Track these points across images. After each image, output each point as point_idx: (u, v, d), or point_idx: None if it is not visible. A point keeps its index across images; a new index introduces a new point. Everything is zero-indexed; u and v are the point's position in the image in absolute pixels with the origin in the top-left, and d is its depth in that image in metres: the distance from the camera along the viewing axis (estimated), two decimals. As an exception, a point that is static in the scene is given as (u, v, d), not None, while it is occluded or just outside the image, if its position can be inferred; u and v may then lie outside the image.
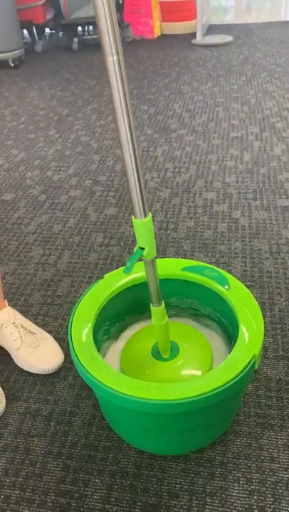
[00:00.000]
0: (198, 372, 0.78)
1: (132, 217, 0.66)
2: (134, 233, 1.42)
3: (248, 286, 0.90)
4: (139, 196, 0.63)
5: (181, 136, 2.08)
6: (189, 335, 0.86)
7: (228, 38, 3.62)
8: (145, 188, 1.66)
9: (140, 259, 0.69)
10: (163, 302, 0.76)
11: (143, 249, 0.67)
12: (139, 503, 0.75)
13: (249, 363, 0.66)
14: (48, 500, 0.77)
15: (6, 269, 1.32)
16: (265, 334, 1.03)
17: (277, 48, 3.37)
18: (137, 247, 0.67)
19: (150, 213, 0.67)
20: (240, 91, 2.57)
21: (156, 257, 0.71)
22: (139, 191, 0.62)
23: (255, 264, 1.25)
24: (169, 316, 0.80)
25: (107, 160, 1.91)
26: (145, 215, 0.64)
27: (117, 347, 0.90)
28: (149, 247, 0.67)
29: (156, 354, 0.82)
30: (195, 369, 0.79)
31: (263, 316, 0.76)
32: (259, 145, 1.93)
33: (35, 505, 0.76)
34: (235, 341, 0.71)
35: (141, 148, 1.98)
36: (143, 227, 0.65)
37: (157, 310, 0.76)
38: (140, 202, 0.63)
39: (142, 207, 0.63)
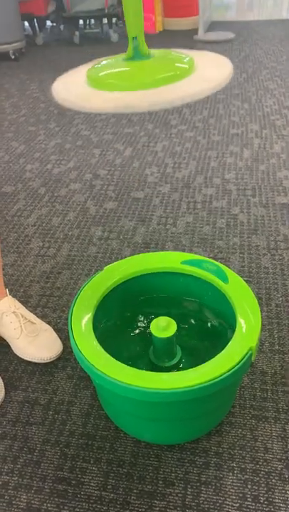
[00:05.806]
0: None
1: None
2: (133, 227, 1.44)
3: (245, 282, 0.91)
4: None
5: (181, 131, 2.08)
6: None
7: (230, 35, 3.62)
8: (145, 183, 1.67)
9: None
10: None
11: None
12: (135, 491, 0.77)
13: (246, 355, 0.68)
14: (46, 486, 0.78)
15: (5, 260, 1.32)
16: (261, 329, 1.04)
17: (278, 45, 3.37)
18: None
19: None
20: (240, 88, 2.57)
21: (155, 250, 0.71)
22: None
23: (253, 260, 1.26)
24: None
25: (107, 154, 1.92)
26: None
27: None
28: None
29: None
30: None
31: (260, 311, 0.76)
32: (259, 142, 1.93)
33: (32, 491, 0.78)
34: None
35: (141, 143, 1.99)
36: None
37: None
38: None
39: None
